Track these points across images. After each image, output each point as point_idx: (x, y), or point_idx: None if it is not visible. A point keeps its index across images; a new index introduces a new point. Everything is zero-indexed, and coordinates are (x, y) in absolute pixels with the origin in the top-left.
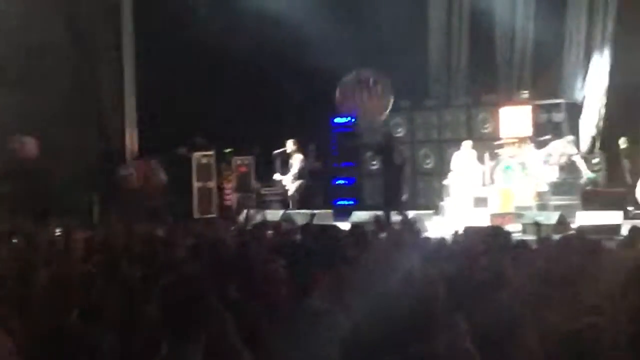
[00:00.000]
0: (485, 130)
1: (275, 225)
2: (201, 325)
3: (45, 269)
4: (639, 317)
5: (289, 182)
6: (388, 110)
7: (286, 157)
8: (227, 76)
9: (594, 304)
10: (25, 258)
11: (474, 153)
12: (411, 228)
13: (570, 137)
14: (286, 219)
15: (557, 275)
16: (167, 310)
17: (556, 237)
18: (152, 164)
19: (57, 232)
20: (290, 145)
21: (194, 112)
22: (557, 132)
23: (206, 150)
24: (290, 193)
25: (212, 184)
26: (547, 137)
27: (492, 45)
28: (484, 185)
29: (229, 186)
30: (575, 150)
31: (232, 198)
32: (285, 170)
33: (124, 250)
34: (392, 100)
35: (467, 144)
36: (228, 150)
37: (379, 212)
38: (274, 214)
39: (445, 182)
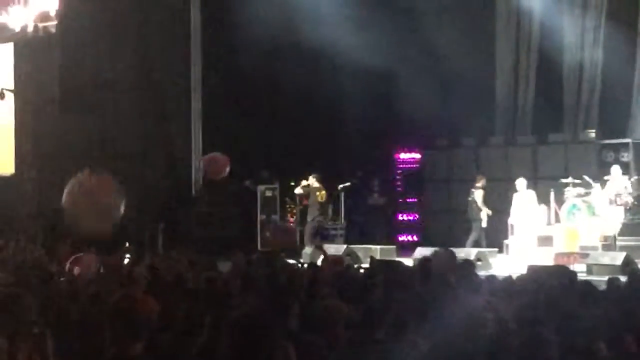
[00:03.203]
0: (551, 169)
1: (338, 260)
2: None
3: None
4: None
5: None
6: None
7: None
8: (291, 110)
9: None
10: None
11: (532, 193)
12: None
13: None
14: (349, 253)
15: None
16: (235, 343)
17: (622, 278)
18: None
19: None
20: (312, 181)
21: (259, 145)
22: (624, 172)
23: (271, 183)
24: None
25: (276, 217)
26: (615, 177)
27: (559, 84)
28: (548, 224)
29: (292, 219)
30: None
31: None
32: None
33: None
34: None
35: (521, 182)
36: (292, 183)
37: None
38: (337, 249)
39: (509, 220)
